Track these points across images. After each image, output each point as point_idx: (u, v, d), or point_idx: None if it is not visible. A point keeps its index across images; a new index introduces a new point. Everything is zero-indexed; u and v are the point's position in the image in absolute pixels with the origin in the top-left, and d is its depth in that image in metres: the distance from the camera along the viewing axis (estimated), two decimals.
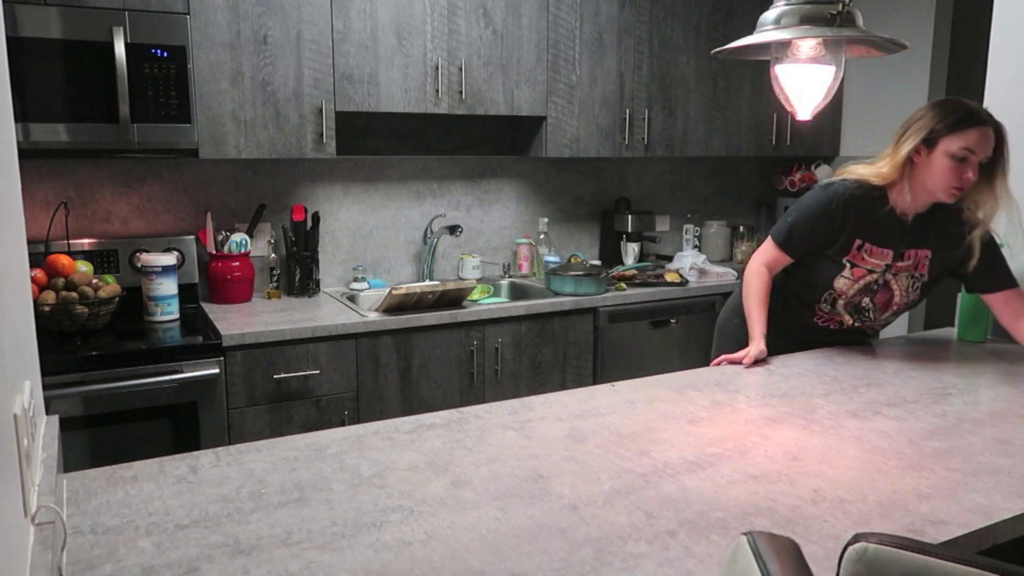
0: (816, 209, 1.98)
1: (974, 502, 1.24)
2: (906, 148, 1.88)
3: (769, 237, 2.09)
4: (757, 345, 1.98)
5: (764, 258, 2.08)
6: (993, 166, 1.86)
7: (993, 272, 2.00)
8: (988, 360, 2.09)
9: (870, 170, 1.97)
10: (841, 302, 2.04)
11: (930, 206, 1.95)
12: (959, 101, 1.87)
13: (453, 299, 2.86)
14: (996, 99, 2.32)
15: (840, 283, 2.00)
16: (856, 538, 0.75)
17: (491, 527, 1.15)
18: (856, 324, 2.10)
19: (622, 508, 1.21)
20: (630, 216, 3.56)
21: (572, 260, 3.41)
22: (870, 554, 0.73)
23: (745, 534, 0.75)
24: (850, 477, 1.33)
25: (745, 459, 1.40)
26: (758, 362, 1.96)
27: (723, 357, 1.99)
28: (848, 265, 1.98)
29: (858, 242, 1.97)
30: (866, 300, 2.02)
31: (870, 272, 1.98)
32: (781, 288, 2.10)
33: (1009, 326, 2.01)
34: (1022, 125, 2.26)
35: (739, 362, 1.96)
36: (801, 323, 2.14)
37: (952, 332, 2.35)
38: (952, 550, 0.73)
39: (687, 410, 1.66)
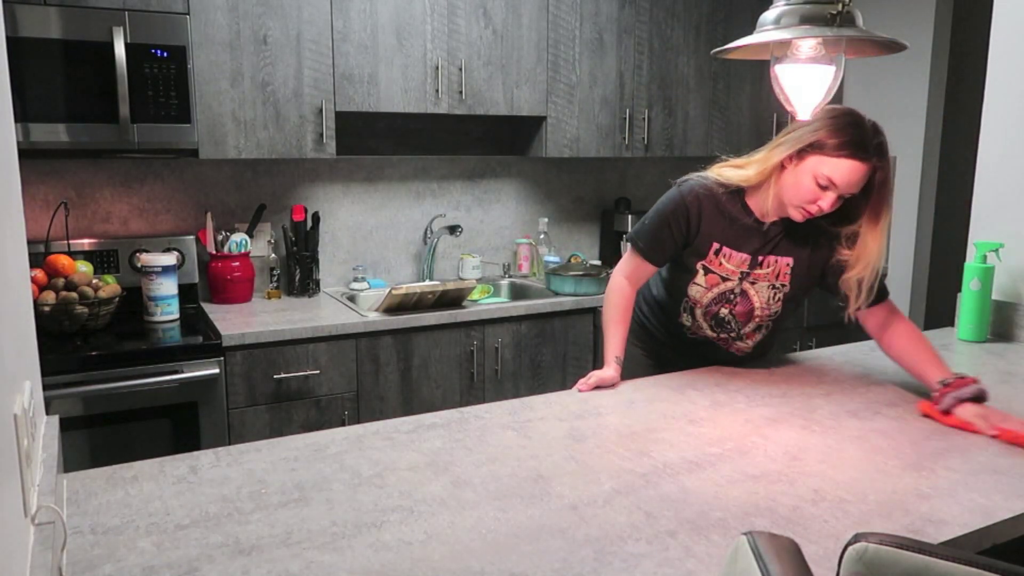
0: (670, 208, 1.81)
1: (974, 502, 1.24)
2: (780, 154, 1.68)
3: (630, 247, 1.91)
4: (607, 369, 1.81)
5: (626, 270, 1.91)
6: (877, 209, 1.67)
7: (860, 285, 1.75)
8: (988, 360, 2.09)
9: (734, 172, 1.78)
10: (699, 312, 1.88)
11: (777, 216, 1.78)
12: (853, 121, 1.62)
13: (453, 299, 2.86)
14: (996, 99, 2.33)
15: (694, 291, 1.85)
16: (856, 538, 0.75)
17: (491, 527, 1.15)
18: (722, 336, 1.91)
19: (622, 508, 1.21)
20: (630, 216, 3.56)
21: (572, 260, 3.41)
22: (870, 554, 0.73)
23: (745, 534, 0.75)
24: (850, 477, 1.33)
25: (745, 459, 1.40)
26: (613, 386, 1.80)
27: (582, 384, 1.79)
28: (701, 271, 1.82)
29: (715, 245, 1.80)
30: (724, 310, 1.85)
31: (724, 280, 1.82)
32: (652, 299, 2.02)
33: (876, 335, 1.83)
34: (1022, 125, 2.27)
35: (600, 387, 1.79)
36: (676, 335, 1.98)
37: (952, 332, 2.35)
38: (952, 550, 0.73)
39: (687, 410, 1.66)
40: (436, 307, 2.82)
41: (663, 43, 3.42)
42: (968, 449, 1.45)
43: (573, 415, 1.63)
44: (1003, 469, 1.36)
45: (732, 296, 1.85)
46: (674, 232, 1.82)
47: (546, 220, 3.56)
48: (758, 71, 3.60)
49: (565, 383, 3.02)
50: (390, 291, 2.70)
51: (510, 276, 3.50)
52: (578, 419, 1.60)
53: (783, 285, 1.84)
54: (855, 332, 3.78)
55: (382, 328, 2.68)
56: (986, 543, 1.17)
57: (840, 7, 1.46)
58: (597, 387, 1.80)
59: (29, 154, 2.51)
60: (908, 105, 3.70)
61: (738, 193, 1.80)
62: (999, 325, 2.31)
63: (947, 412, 1.60)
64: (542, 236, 3.53)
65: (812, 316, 3.61)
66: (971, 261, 2.28)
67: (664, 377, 1.90)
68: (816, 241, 1.80)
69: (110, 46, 2.38)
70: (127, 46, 2.40)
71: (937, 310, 3.79)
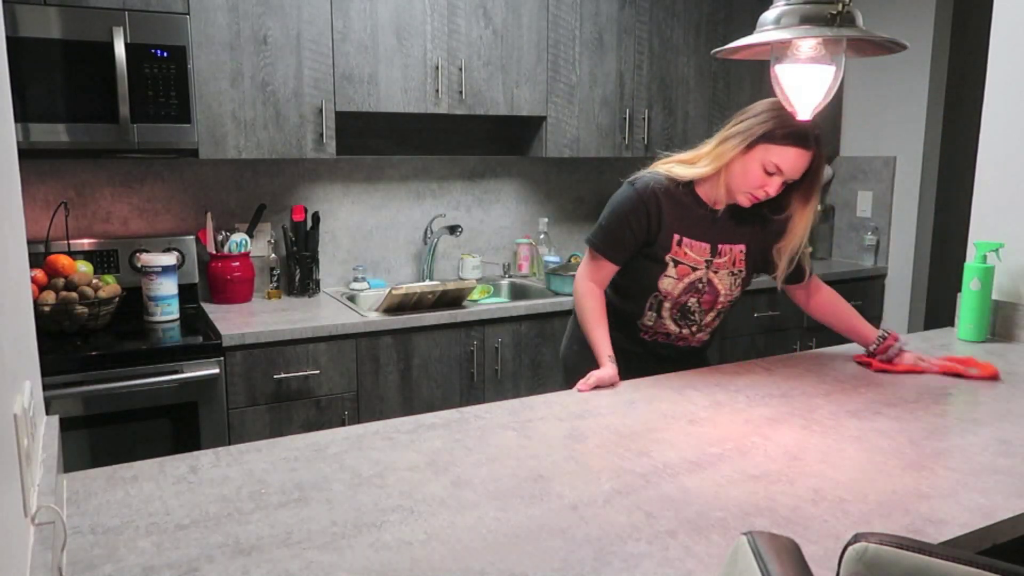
0: (628, 207, 1.86)
1: (974, 502, 1.24)
2: (733, 148, 1.77)
3: (588, 248, 1.94)
4: (606, 368, 1.82)
5: (589, 273, 1.94)
6: (807, 192, 1.83)
7: (799, 269, 1.97)
8: (988, 360, 2.08)
9: (687, 169, 1.86)
10: (667, 305, 1.92)
11: (728, 204, 1.89)
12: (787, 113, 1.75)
13: (453, 299, 2.86)
14: (996, 99, 2.32)
15: (665, 283, 1.89)
16: (856, 538, 0.75)
17: (491, 527, 1.15)
18: (683, 331, 1.97)
19: (622, 508, 1.21)
20: None
21: (572, 260, 3.41)
22: (870, 554, 0.73)
23: (745, 534, 0.75)
24: (850, 477, 1.33)
25: (745, 459, 1.40)
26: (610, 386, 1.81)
27: (582, 385, 1.80)
28: (671, 263, 1.88)
29: (677, 237, 1.87)
30: (692, 300, 1.92)
31: (693, 269, 1.89)
32: (607, 304, 1.97)
33: (804, 303, 2.09)
34: (1022, 125, 2.27)
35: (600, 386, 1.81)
36: (630, 342, 2.00)
37: (952, 332, 2.35)
38: (952, 550, 0.73)
39: (687, 410, 1.66)
40: (436, 307, 2.82)
41: (663, 43, 3.42)
42: (968, 449, 1.45)
43: (573, 415, 1.63)
44: (1003, 469, 1.36)
45: (701, 285, 1.92)
46: (634, 229, 1.87)
47: (546, 220, 3.56)
48: (758, 71, 3.60)
49: (565, 383, 3.02)
50: (390, 291, 2.70)
51: (510, 276, 3.50)
52: (578, 419, 1.60)
53: (740, 271, 1.94)
54: None
55: (382, 328, 2.68)
56: (986, 543, 1.17)
57: (840, 7, 1.46)
58: (597, 387, 1.80)
59: (29, 154, 2.51)
60: (908, 105, 3.70)
61: (688, 185, 1.88)
62: (999, 325, 2.31)
63: (890, 360, 1.95)
64: (542, 236, 3.53)
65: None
66: (971, 261, 2.28)
67: (664, 377, 1.90)
68: (759, 227, 1.92)
69: (110, 46, 2.38)
70: (127, 46, 2.40)
71: (937, 310, 3.79)
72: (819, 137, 1.77)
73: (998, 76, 2.32)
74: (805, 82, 1.60)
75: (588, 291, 1.93)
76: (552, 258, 3.44)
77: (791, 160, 1.74)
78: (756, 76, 3.62)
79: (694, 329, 1.98)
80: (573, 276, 3.04)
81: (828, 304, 2.07)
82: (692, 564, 1.05)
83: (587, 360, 1.91)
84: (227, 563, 1.04)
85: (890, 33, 1.59)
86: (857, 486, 1.29)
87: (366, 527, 1.14)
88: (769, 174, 1.76)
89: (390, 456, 1.40)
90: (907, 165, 3.75)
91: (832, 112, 3.94)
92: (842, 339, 2.15)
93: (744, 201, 1.83)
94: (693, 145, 1.94)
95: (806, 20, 1.50)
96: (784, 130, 1.72)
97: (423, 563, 1.05)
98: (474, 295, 3.12)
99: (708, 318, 1.98)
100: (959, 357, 1.98)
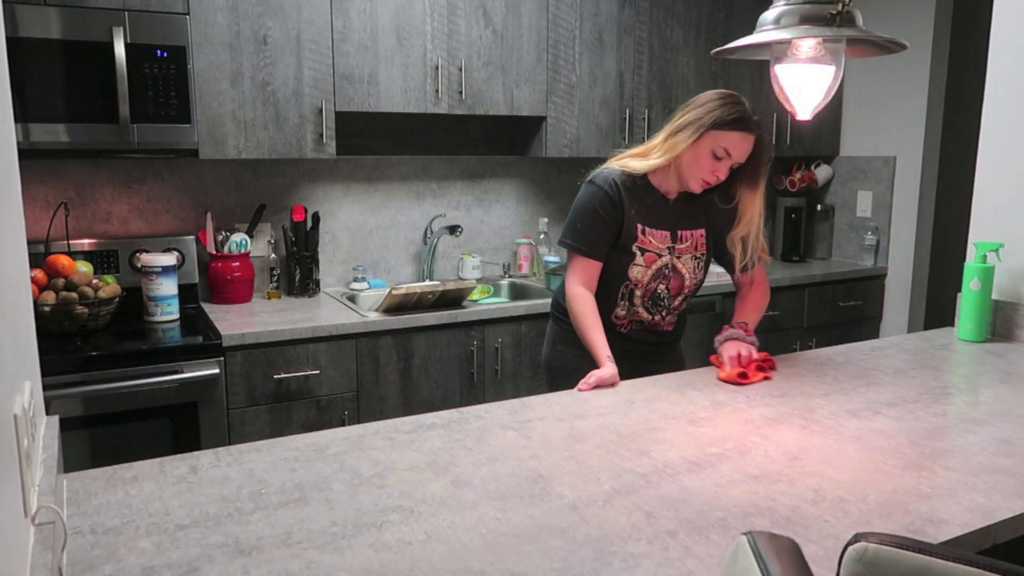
0: (595, 202, 1.94)
1: (974, 502, 1.24)
2: (686, 140, 1.86)
3: (569, 253, 2.00)
4: (606, 368, 1.84)
5: (575, 278, 1.97)
6: (754, 174, 1.93)
7: (747, 251, 2.03)
8: (988, 360, 2.09)
9: (640, 163, 1.94)
10: (638, 293, 1.99)
11: (682, 191, 1.99)
12: (737, 100, 1.86)
13: (453, 299, 2.86)
14: (996, 99, 2.33)
15: (635, 272, 1.96)
16: (856, 538, 0.75)
17: (491, 527, 1.15)
18: (655, 318, 2.03)
19: (622, 508, 1.21)
20: None
21: None
22: (870, 554, 0.73)
23: (745, 534, 0.75)
24: (850, 477, 1.33)
25: (745, 459, 1.40)
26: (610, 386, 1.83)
27: (583, 385, 1.81)
28: (639, 252, 1.96)
29: (639, 226, 1.95)
30: (661, 287, 2.00)
31: (659, 256, 1.97)
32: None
33: (739, 288, 2.12)
34: (1022, 125, 2.27)
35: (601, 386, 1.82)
36: (608, 338, 1.96)
37: (952, 332, 2.35)
38: (952, 550, 0.73)
39: (687, 410, 1.66)
40: (436, 307, 2.82)
41: (663, 43, 3.42)
42: (968, 449, 1.45)
43: (573, 415, 1.63)
44: (1003, 469, 1.36)
45: (667, 271, 2.00)
46: (608, 222, 1.95)
47: (546, 220, 3.56)
48: (758, 71, 3.60)
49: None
50: (390, 291, 2.70)
51: (510, 276, 3.50)
52: (578, 419, 1.60)
53: (702, 254, 2.04)
54: (855, 332, 3.78)
55: (382, 328, 2.68)
56: (986, 543, 1.17)
57: (840, 7, 1.46)
58: (597, 386, 1.81)
59: (29, 154, 2.51)
60: (908, 105, 3.70)
61: (643, 177, 1.97)
62: (999, 325, 2.31)
63: (715, 352, 1.98)
64: (542, 236, 3.53)
65: (812, 316, 3.61)
66: (971, 261, 2.28)
67: (664, 377, 1.91)
68: (713, 213, 2.03)
69: (110, 46, 2.38)
70: (127, 46, 2.40)
71: (937, 310, 3.79)
72: (759, 121, 1.89)
73: (998, 76, 2.32)
74: (805, 82, 1.61)
75: (579, 296, 1.96)
76: (552, 258, 3.44)
77: (737, 143, 1.85)
78: (756, 76, 3.62)
79: (664, 314, 2.05)
80: None
81: (749, 299, 2.09)
82: (692, 564, 1.05)
83: (574, 359, 1.94)
84: (227, 563, 1.04)
85: (890, 33, 1.59)
86: (857, 486, 1.29)
87: (366, 527, 1.14)
88: (718, 159, 1.87)
89: (390, 456, 1.40)
90: (907, 165, 3.75)
91: (832, 112, 3.94)
92: (843, 339, 2.15)
93: (696, 187, 1.93)
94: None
95: (806, 20, 1.50)
96: (730, 116, 1.83)
97: (423, 563, 1.05)
98: (474, 295, 3.12)
99: (676, 302, 2.05)
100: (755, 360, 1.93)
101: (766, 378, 1.88)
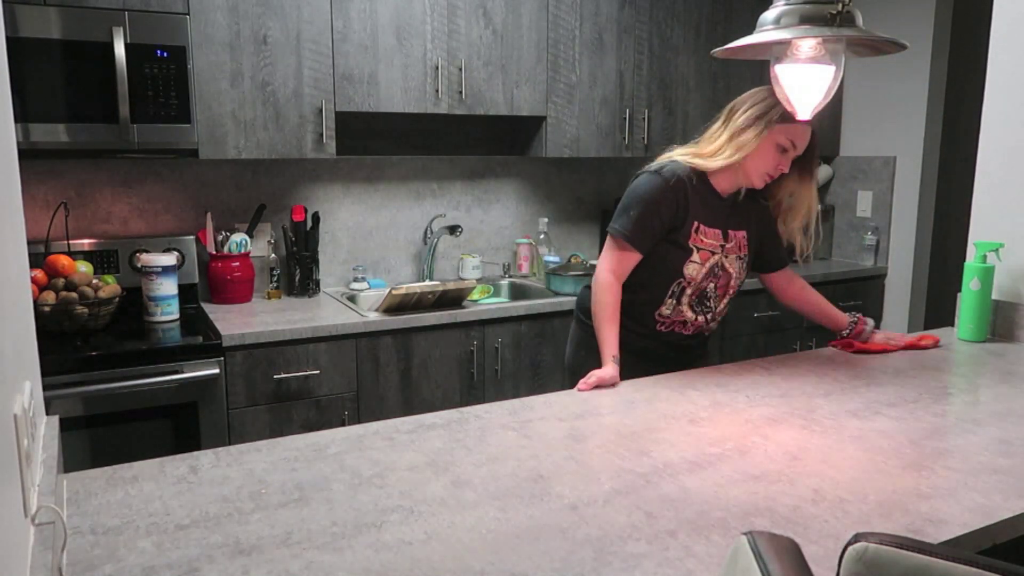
0: (658, 195, 1.92)
1: (974, 502, 1.24)
2: (755, 136, 1.88)
3: (610, 237, 1.97)
4: (607, 368, 1.85)
5: (611, 264, 1.95)
6: (805, 163, 1.97)
7: (776, 250, 2.12)
8: (988, 360, 2.09)
9: (705, 161, 1.94)
10: (688, 291, 1.98)
11: (743, 189, 2.01)
12: None
13: (453, 299, 2.86)
14: (996, 99, 2.32)
15: (690, 269, 1.96)
16: (856, 538, 0.75)
17: (491, 527, 1.15)
18: (698, 319, 2.01)
19: (622, 508, 1.21)
20: None
21: (572, 260, 3.41)
22: (870, 554, 0.73)
23: (745, 534, 0.75)
24: (850, 477, 1.33)
25: (745, 459, 1.40)
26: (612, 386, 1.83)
27: (583, 384, 1.82)
28: (694, 249, 1.95)
29: (695, 224, 1.95)
30: (711, 286, 2.00)
31: (712, 254, 1.98)
32: (622, 302, 1.98)
33: (780, 292, 2.20)
34: (1022, 125, 2.27)
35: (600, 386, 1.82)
36: (645, 337, 2.02)
37: (952, 332, 2.35)
38: (952, 550, 0.73)
39: (687, 410, 1.66)
40: (436, 307, 2.82)
41: (663, 43, 3.42)
42: (968, 449, 1.45)
43: (573, 415, 1.63)
44: (1003, 469, 1.36)
45: (718, 270, 2.00)
46: (663, 217, 1.93)
47: (546, 220, 3.56)
48: (758, 71, 3.60)
49: (565, 383, 3.01)
50: (390, 291, 2.70)
51: (510, 276, 3.50)
52: (578, 419, 1.60)
53: (745, 255, 2.05)
54: None
55: (382, 328, 2.68)
56: (986, 543, 1.17)
57: (840, 7, 1.46)
58: (597, 386, 1.81)
59: (29, 154, 2.51)
60: (908, 105, 3.70)
61: (703, 175, 1.97)
62: (999, 325, 2.31)
63: (865, 341, 2.13)
64: (542, 236, 3.53)
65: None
66: (971, 261, 2.28)
67: (664, 377, 1.91)
68: (757, 214, 2.06)
69: (110, 46, 2.38)
70: (127, 46, 2.40)
71: (937, 310, 3.78)
72: None
73: (998, 76, 2.32)
74: (805, 82, 1.61)
75: (606, 285, 1.95)
76: (552, 258, 3.44)
77: (802, 134, 1.89)
78: (756, 76, 3.62)
79: (708, 316, 2.04)
80: (572, 276, 3.07)
81: (807, 293, 2.20)
82: (692, 564, 1.05)
83: (597, 364, 1.90)
84: (227, 563, 1.04)
85: (890, 33, 1.59)
86: (857, 486, 1.29)
87: (366, 527, 1.14)
88: (783, 152, 1.90)
89: (390, 456, 1.40)
90: (907, 165, 3.75)
91: (832, 112, 3.94)
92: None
93: (759, 183, 1.95)
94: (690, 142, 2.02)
95: (806, 20, 1.50)
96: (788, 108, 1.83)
97: (423, 563, 1.05)
98: (474, 295, 3.12)
99: (721, 304, 2.05)
100: (920, 335, 2.22)
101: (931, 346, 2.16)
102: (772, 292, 2.23)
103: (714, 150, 1.94)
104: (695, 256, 1.96)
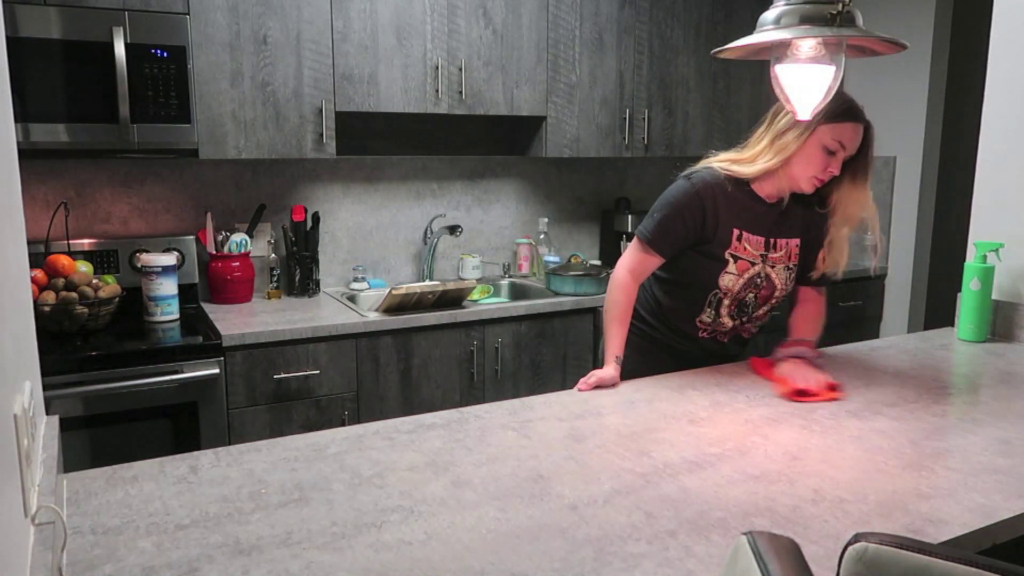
0: (684, 201, 1.87)
1: (974, 502, 1.24)
2: (796, 139, 1.80)
3: (636, 238, 1.94)
4: (608, 368, 1.83)
5: (630, 263, 1.93)
6: (858, 165, 1.85)
7: (814, 270, 1.98)
8: (988, 360, 2.09)
9: (745, 167, 1.87)
10: (726, 302, 1.94)
11: (788, 195, 1.90)
12: (840, 90, 1.72)
13: (453, 299, 2.86)
14: (996, 99, 2.32)
15: (726, 280, 1.91)
16: (856, 538, 0.75)
17: (491, 527, 1.15)
18: (738, 323, 1.99)
19: (622, 508, 1.21)
20: (630, 216, 3.56)
21: (572, 260, 3.41)
22: (870, 554, 0.73)
23: (745, 534, 0.75)
24: (850, 477, 1.33)
25: (745, 459, 1.40)
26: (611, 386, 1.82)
27: (583, 384, 1.81)
28: (731, 260, 1.90)
29: (736, 232, 1.89)
30: (751, 296, 1.94)
31: (752, 264, 1.91)
32: (662, 307, 2.00)
33: (793, 304, 2.05)
34: (1022, 125, 2.27)
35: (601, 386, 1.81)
36: (687, 342, 2.03)
37: (952, 332, 2.35)
38: (952, 550, 0.73)
39: (687, 410, 1.66)
40: (436, 307, 2.82)
41: (663, 43, 3.42)
42: (968, 449, 1.45)
43: (573, 415, 1.63)
44: (1003, 469, 1.36)
45: (759, 280, 1.93)
46: (688, 223, 1.87)
47: (546, 220, 3.56)
48: (758, 71, 3.60)
49: (565, 383, 3.02)
50: (390, 291, 2.70)
51: (510, 276, 3.50)
52: (578, 419, 1.60)
53: (795, 265, 1.97)
54: (855, 332, 3.78)
55: (382, 328, 2.68)
56: (986, 543, 1.17)
57: (840, 7, 1.46)
58: (597, 387, 1.81)
59: (29, 154, 2.51)
60: (908, 105, 3.70)
61: (743, 183, 1.89)
62: (999, 325, 2.31)
63: (771, 364, 1.91)
64: (542, 236, 3.53)
65: None
66: (971, 261, 2.28)
67: (664, 377, 1.90)
68: (809, 220, 1.94)
69: (110, 46, 2.38)
70: (127, 46, 2.40)
71: (937, 310, 3.78)
72: (861, 108, 1.81)
73: (998, 76, 2.32)
74: (805, 82, 1.60)
75: (622, 284, 1.93)
76: (552, 258, 3.44)
77: (851, 135, 1.78)
78: (756, 76, 3.62)
79: (744, 320, 2.00)
80: (572, 276, 3.07)
81: (804, 314, 2.03)
82: (692, 564, 1.05)
83: (627, 362, 1.90)
84: (227, 563, 1.04)
85: (890, 33, 1.59)
86: (857, 486, 1.29)
87: (366, 527, 1.14)
88: (831, 153, 1.79)
89: (390, 456, 1.40)
90: (907, 165, 3.75)
91: None
92: (843, 339, 2.14)
93: (808, 187, 1.85)
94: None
95: (806, 20, 1.49)
96: (841, 108, 1.75)
97: (423, 563, 1.05)
98: (474, 295, 3.12)
99: (760, 311, 2.00)
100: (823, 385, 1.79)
101: (832, 399, 1.74)
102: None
103: (755, 154, 1.87)
104: (731, 267, 1.90)
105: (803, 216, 1.94)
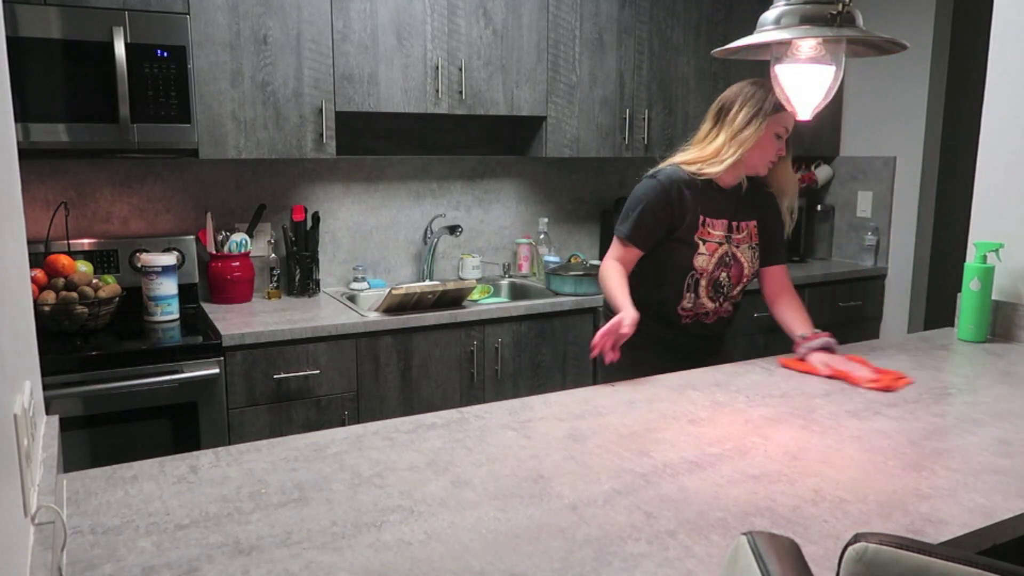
0: (652, 196, 2.04)
1: (974, 502, 1.24)
2: (754, 133, 1.99)
3: (615, 237, 2.10)
4: (628, 313, 1.88)
5: (614, 255, 2.10)
6: (787, 144, 2.09)
7: (779, 245, 2.19)
8: (988, 360, 2.09)
9: (712, 166, 2.02)
10: (703, 282, 2.08)
11: (745, 180, 2.09)
12: (768, 84, 1.87)
13: (453, 299, 2.86)
14: (996, 99, 2.32)
15: (700, 260, 2.06)
16: (856, 538, 0.75)
17: (491, 527, 1.15)
18: (718, 305, 2.13)
19: (622, 508, 1.21)
20: None
21: (572, 260, 3.41)
22: (870, 554, 0.73)
23: (745, 534, 0.75)
24: (850, 477, 1.33)
25: (745, 459, 1.40)
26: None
27: (597, 338, 1.85)
28: (701, 243, 2.06)
29: (702, 218, 2.06)
30: (723, 275, 2.10)
31: (719, 245, 2.08)
32: (646, 303, 2.03)
33: (771, 299, 2.19)
34: (1022, 125, 2.27)
35: (614, 334, 1.85)
36: (671, 331, 2.13)
37: (952, 332, 2.35)
38: (952, 550, 0.73)
39: (687, 410, 1.66)
40: (436, 307, 2.82)
41: (663, 43, 3.42)
42: (968, 449, 1.45)
43: (573, 415, 1.63)
44: (1003, 469, 1.36)
45: (728, 260, 2.10)
46: (658, 215, 2.04)
47: (546, 220, 3.56)
48: (758, 71, 3.59)
49: (565, 383, 3.02)
50: (390, 291, 2.70)
51: (510, 276, 3.50)
52: (578, 419, 1.60)
53: (756, 244, 2.16)
54: (855, 332, 3.78)
55: (382, 328, 2.68)
56: (986, 543, 1.17)
57: (840, 7, 1.46)
58: (614, 338, 1.83)
59: (29, 154, 2.51)
60: (908, 105, 3.70)
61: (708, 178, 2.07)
62: (999, 325, 2.31)
63: (802, 360, 1.99)
64: (542, 236, 3.53)
65: (812, 316, 3.60)
66: (971, 261, 2.28)
67: (664, 377, 1.91)
68: (760, 201, 2.15)
69: (110, 46, 2.38)
70: (127, 46, 2.40)
71: (937, 310, 3.79)
72: None
73: (998, 76, 2.32)
74: (805, 82, 1.61)
75: (611, 265, 2.07)
76: (552, 258, 3.44)
77: (791, 119, 1.99)
78: (756, 76, 3.62)
79: (722, 300, 2.14)
80: (572, 276, 3.07)
81: (787, 305, 2.16)
82: (692, 564, 1.05)
83: (625, 357, 1.92)
84: (227, 563, 1.04)
85: (890, 33, 1.59)
86: (857, 486, 1.29)
87: (366, 527, 1.14)
88: (779, 138, 2.04)
89: (390, 456, 1.40)
90: (907, 165, 3.75)
91: (832, 112, 3.94)
92: (843, 339, 2.15)
93: (764, 171, 2.08)
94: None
95: (806, 20, 1.50)
96: (777, 98, 1.87)
97: (423, 563, 1.05)
98: (474, 295, 3.12)
99: (735, 292, 2.16)
100: (872, 367, 1.90)
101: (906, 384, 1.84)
102: (761, 286, 2.22)
103: (715, 152, 2.04)
104: (702, 248, 2.07)
105: (757, 198, 2.14)
